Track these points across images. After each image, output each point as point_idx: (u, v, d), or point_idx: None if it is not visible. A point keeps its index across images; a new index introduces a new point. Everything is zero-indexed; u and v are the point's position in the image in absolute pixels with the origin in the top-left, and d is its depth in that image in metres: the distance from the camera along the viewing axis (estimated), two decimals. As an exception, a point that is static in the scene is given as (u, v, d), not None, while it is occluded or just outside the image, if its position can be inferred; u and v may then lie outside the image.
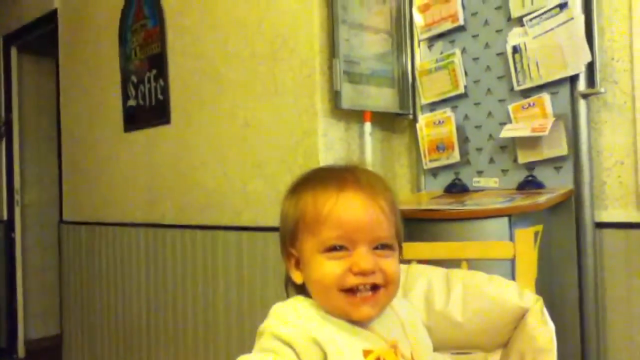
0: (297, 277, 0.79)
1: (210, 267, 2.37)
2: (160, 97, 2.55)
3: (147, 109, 2.64)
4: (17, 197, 3.93)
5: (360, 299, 0.73)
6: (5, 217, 3.97)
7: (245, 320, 2.23)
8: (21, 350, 3.91)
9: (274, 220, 2.08)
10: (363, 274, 0.73)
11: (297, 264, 0.79)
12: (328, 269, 0.73)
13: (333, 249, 0.74)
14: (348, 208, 0.74)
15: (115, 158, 2.90)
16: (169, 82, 2.53)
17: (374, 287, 0.74)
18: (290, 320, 0.73)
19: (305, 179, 0.82)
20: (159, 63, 2.56)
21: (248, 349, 0.72)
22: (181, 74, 2.48)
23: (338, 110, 1.92)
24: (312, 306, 0.76)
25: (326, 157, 1.93)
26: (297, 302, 0.76)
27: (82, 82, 3.16)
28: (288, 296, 0.81)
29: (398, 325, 0.79)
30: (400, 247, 0.80)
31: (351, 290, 0.73)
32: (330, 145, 1.96)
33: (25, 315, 3.96)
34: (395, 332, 0.77)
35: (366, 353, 0.71)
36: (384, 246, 0.75)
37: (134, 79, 2.72)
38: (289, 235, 0.79)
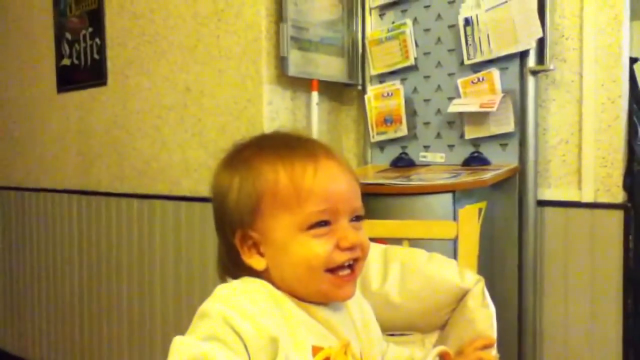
0: (258, 263, 0.67)
1: (147, 238, 2.26)
2: (96, 56, 2.39)
3: (82, 69, 2.47)
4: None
5: (342, 279, 0.67)
6: None
7: (182, 293, 2.14)
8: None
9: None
10: (351, 248, 0.66)
11: (256, 247, 0.68)
12: (316, 248, 0.65)
13: (318, 224, 0.65)
14: (331, 179, 0.67)
15: (48, 120, 2.72)
16: (106, 41, 2.36)
17: (353, 262, 0.68)
18: (247, 311, 0.61)
19: (252, 149, 0.70)
20: (95, 20, 2.39)
21: (185, 322, 0.62)
22: (119, 33, 2.32)
23: (284, 77, 1.84)
24: (265, 291, 0.66)
25: (271, 127, 1.85)
26: (250, 286, 0.66)
27: (10, 39, 2.93)
28: (223, 282, 0.70)
29: (349, 320, 0.72)
30: None
31: (332, 270, 0.66)
32: (275, 114, 1.87)
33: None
34: (347, 328, 0.70)
35: (315, 350, 0.64)
36: (358, 217, 0.69)
37: (68, 36, 2.54)
38: (246, 215, 0.67)
